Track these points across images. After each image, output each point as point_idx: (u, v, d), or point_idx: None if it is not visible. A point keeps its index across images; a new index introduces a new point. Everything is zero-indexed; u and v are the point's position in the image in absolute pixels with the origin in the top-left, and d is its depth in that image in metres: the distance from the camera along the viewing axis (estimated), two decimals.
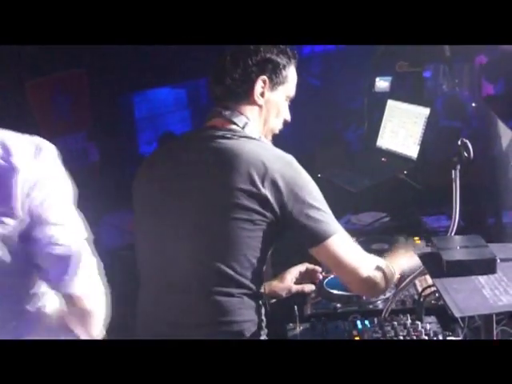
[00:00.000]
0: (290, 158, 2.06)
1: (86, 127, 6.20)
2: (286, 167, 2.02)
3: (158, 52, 5.99)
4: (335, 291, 2.58)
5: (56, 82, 5.96)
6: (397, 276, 2.28)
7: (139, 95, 6.97)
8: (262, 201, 1.97)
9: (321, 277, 2.54)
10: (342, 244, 2.07)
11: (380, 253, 2.82)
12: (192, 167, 2.07)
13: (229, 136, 2.06)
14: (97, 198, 5.79)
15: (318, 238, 2.03)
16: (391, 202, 3.56)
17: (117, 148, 6.31)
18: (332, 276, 2.61)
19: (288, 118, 2.26)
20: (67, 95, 6.02)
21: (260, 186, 1.96)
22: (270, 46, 2.13)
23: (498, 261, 1.95)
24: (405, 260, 2.39)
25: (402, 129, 3.84)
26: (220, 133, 2.07)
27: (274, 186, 1.97)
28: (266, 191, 1.96)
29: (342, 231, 2.09)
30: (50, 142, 1.90)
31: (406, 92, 4.27)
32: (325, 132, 6.04)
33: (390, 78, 4.29)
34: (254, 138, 2.10)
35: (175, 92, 7.36)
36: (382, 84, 4.34)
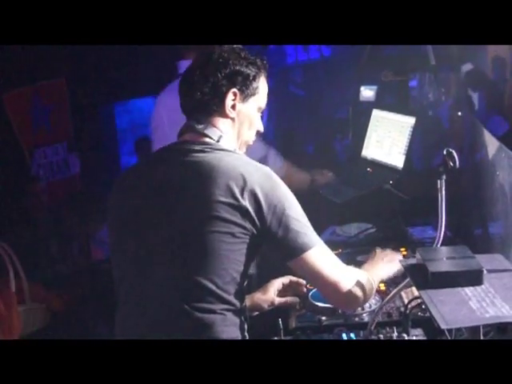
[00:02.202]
0: (267, 169, 2.06)
1: (67, 138, 6.14)
2: (265, 179, 2.01)
3: (140, 62, 5.98)
4: (320, 304, 2.54)
5: (34, 92, 5.92)
6: (376, 287, 2.26)
7: (120, 105, 6.94)
8: (242, 213, 1.95)
9: (305, 290, 2.52)
10: (321, 257, 2.05)
11: None
12: (169, 182, 2.04)
13: (205, 149, 2.04)
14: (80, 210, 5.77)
15: (296, 250, 2.01)
16: (377, 213, 3.54)
17: (98, 159, 6.27)
18: None
19: (261, 129, 2.24)
20: (46, 105, 5.98)
21: (240, 197, 1.94)
22: (239, 58, 2.12)
23: (485, 272, 1.92)
24: (384, 266, 2.37)
25: (388, 138, 3.81)
26: (195, 147, 2.06)
27: (254, 197, 1.96)
28: (246, 203, 1.94)
29: (321, 244, 2.07)
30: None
31: (391, 101, 4.25)
32: (310, 142, 6.02)
33: (375, 87, 4.27)
34: (230, 151, 2.09)
35: None
36: (367, 93, 4.32)
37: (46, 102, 5.94)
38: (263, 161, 3.26)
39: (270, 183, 2.01)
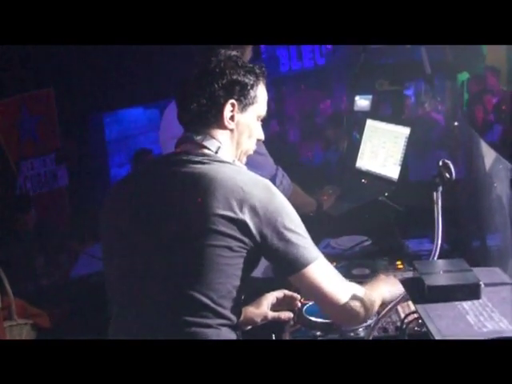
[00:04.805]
0: (266, 181, 2.02)
1: (55, 149, 6.11)
2: (264, 191, 1.97)
3: (130, 70, 5.97)
4: (315, 318, 2.49)
5: (22, 102, 5.90)
6: (378, 305, 2.21)
7: (110, 116, 6.93)
8: (241, 227, 1.91)
9: (299, 304, 2.48)
10: (322, 271, 2.01)
11: (361, 278, 2.76)
12: (165, 193, 2.00)
13: (203, 161, 2.01)
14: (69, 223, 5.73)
15: (297, 264, 1.97)
16: (372, 225, 3.50)
17: (87, 171, 6.25)
18: (311, 303, 2.54)
19: (261, 137, 2.21)
20: (34, 116, 5.96)
21: (238, 211, 1.90)
22: (236, 67, 2.08)
23: (483, 286, 1.88)
24: (387, 288, 2.32)
25: (382, 149, 3.77)
26: (193, 158, 2.02)
27: (253, 211, 1.92)
28: (245, 216, 1.91)
29: (322, 257, 2.03)
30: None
31: (386, 111, 4.22)
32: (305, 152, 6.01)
33: (370, 97, 4.24)
34: (229, 162, 2.05)
35: (148, 112, 7.34)
36: (362, 102, 4.28)
37: (33, 113, 5.92)
38: (272, 180, 3.19)
39: (269, 196, 1.98)
